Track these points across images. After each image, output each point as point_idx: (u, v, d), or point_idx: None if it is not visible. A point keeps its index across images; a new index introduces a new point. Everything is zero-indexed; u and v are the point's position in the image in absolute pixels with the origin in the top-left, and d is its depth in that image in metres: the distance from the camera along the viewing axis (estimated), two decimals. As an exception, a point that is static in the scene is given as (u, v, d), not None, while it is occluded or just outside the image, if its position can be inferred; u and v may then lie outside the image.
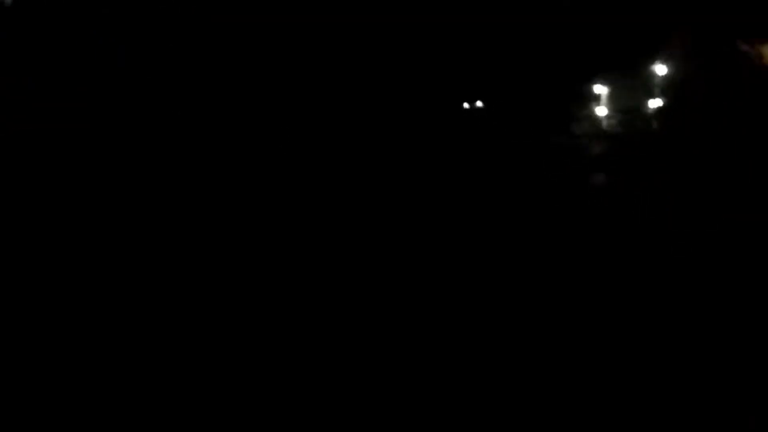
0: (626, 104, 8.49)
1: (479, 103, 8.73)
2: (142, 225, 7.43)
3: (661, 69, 8.48)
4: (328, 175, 8.08)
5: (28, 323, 6.12)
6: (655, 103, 8.36)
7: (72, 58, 8.32)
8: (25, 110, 8.03)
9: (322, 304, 6.62)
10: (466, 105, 8.70)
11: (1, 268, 6.70)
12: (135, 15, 8.46)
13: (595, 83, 8.59)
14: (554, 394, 5.60)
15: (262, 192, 7.91)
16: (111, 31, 8.41)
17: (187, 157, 8.13)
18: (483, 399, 5.55)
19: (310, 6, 8.56)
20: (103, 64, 8.36)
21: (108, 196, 7.71)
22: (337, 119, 8.40)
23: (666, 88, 8.40)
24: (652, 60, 8.48)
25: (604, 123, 8.44)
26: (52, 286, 6.58)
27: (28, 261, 6.84)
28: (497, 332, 6.31)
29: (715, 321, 6.19)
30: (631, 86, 8.51)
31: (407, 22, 8.56)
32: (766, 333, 5.99)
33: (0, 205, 7.37)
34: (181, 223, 7.53)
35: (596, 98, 8.53)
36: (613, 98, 8.55)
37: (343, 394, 5.50)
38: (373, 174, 8.04)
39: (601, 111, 8.55)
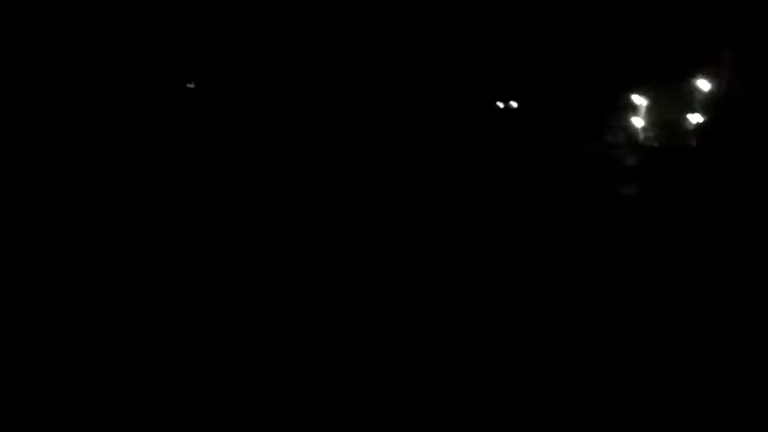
0: (664, 117, 8.42)
1: (514, 104, 8.70)
2: (142, 224, 7.44)
3: (703, 84, 8.38)
4: (336, 175, 8.08)
5: (28, 321, 6.12)
6: (694, 117, 8.27)
7: (72, 58, 8.33)
8: (25, 110, 8.03)
9: (322, 303, 6.63)
10: (500, 105, 8.68)
11: (2, 267, 6.70)
12: (135, 15, 8.46)
13: (634, 94, 8.49)
14: (555, 394, 5.60)
15: (261, 191, 7.91)
16: (111, 31, 8.42)
17: (186, 156, 8.13)
18: (483, 398, 5.55)
19: (310, 6, 8.57)
20: (103, 64, 8.37)
21: (108, 196, 7.72)
22: (348, 119, 8.41)
23: (707, 103, 8.32)
24: (696, 74, 8.40)
25: (641, 135, 8.37)
26: (52, 284, 6.58)
27: (28, 259, 6.85)
28: (509, 333, 6.32)
29: (728, 325, 6.20)
30: (671, 99, 8.43)
31: (430, 22, 8.56)
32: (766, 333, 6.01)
33: (0, 205, 7.37)
34: (181, 222, 7.53)
35: (634, 109, 8.45)
36: (651, 110, 8.48)
37: (343, 393, 5.51)
38: (388, 174, 8.02)
39: (638, 122, 8.46)
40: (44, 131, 7.93)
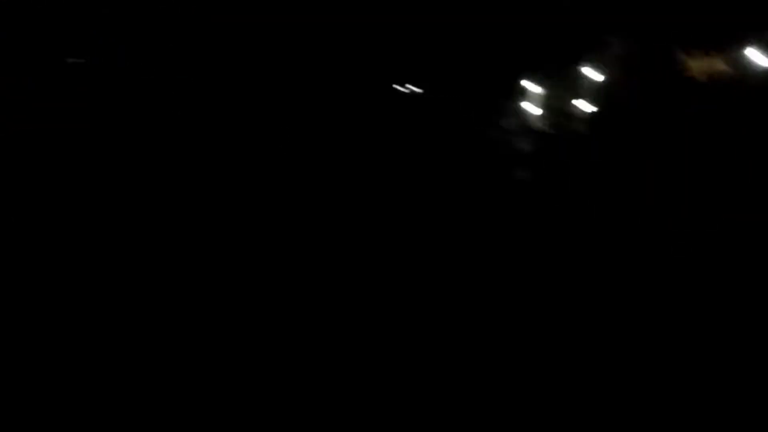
0: (556, 104, 8.54)
1: (416, 89, 8.77)
2: (142, 224, 7.44)
3: (592, 72, 8.50)
4: (336, 175, 8.10)
5: (28, 322, 6.12)
6: (583, 105, 8.38)
7: (72, 58, 8.33)
8: (25, 110, 8.03)
9: (322, 303, 6.63)
10: (404, 89, 8.73)
11: (2, 267, 6.70)
12: (135, 15, 8.46)
13: (528, 82, 8.61)
14: (555, 394, 5.60)
15: (261, 191, 7.91)
16: (111, 31, 8.42)
17: (186, 156, 8.13)
18: (483, 399, 5.55)
19: (310, 6, 8.57)
20: (103, 64, 8.36)
21: (108, 196, 7.72)
22: (348, 119, 8.42)
23: (596, 91, 8.44)
24: (584, 63, 8.50)
25: (534, 120, 8.49)
26: (52, 284, 6.58)
27: (28, 259, 6.85)
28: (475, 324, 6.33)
29: (714, 321, 6.20)
30: (562, 87, 8.55)
31: (404, 22, 8.58)
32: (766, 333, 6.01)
33: (0, 205, 7.37)
34: (181, 221, 7.53)
35: (529, 96, 8.57)
36: (544, 98, 8.60)
37: (342, 393, 5.51)
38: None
39: (532, 109, 8.60)
40: (44, 131, 7.93)
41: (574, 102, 8.47)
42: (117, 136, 8.12)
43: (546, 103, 8.58)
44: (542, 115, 8.53)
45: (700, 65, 8.12)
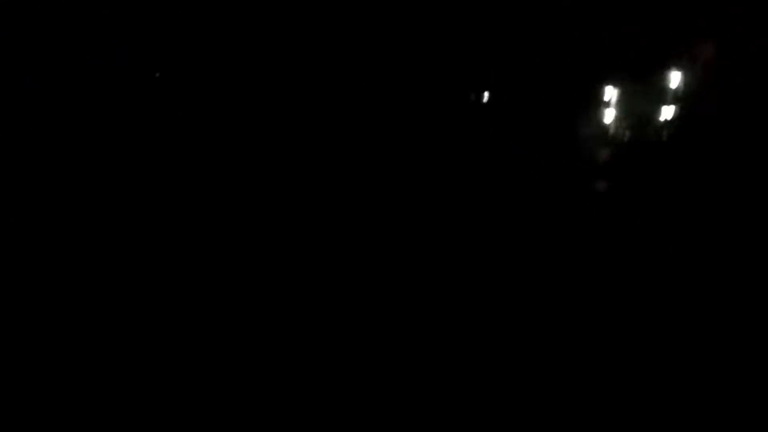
0: (635, 110, 8.37)
1: (485, 98, 8.66)
2: (142, 225, 7.43)
3: (674, 76, 8.32)
4: (335, 175, 8.09)
5: (28, 324, 6.11)
6: (666, 110, 8.21)
7: (72, 58, 8.32)
8: (25, 110, 8.03)
9: (322, 304, 6.62)
10: (471, 98, 8.64)
11: (2, 267, 6.70)
12: (135, 15, 8.45)
13: (605, 87, 8.43)
14: (555, 395, 5.60)
15: (261, 192, 7.91)
16: (111, 31, 8.41)
17: (187, 157, 8.13)
18: (482, 399, 5.55)
19: (310, 6, 8.56)
20: (103, 64, 8.36)
21: (108, 196, 7.71)
22: (348, 119, 8.40)
23: (679, 95, 8.28)
24: (666, 66, 8.35)
25: (611, 128, 8.32)
26: (52, 284, 6.58)
27: (28, 259, 6.84)
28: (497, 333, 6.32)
29: (715, 323, 6.20)
30: (642, 92, 8.38)
31: (407, 22, 8.56)
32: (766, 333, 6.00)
33: (0, 205, 7.37)
34: (181, 223, 7.53)
35: (605, 103, 8.38)
36: (621, 103, 8.42)
37: (342, 394, 5.51)
38: (368, 171, 8.03)
39: (609, 116, 8.41)
40: (44, 131, 7.93)
41: (654, 108, 8.33)
42: (117, 136, 8.11)
43: (625, 109, 8.43)
44: (620, 122, 8.39)
45: None
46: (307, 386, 5.54)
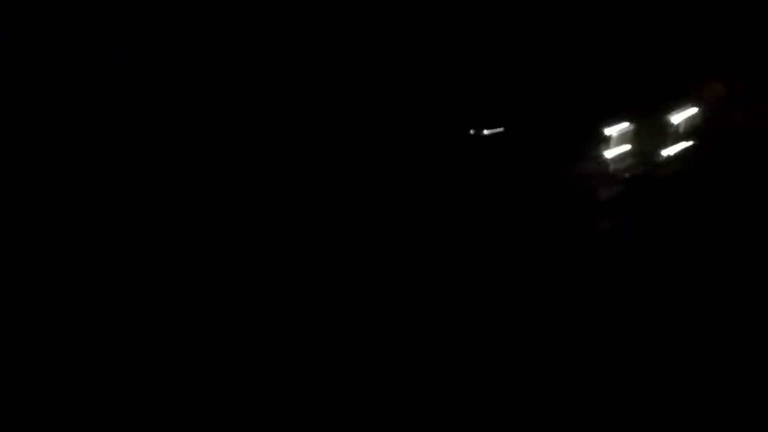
0: (640, 148, 8.31)
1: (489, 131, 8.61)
2: (142, 225, 7.43)
3: (679, 114, 8.28)
4: (335, 175, 8.08)
5: (27, 324, 6.11)
6: (670, 147, 8.15)
7: (72, 58, 8.31)
8: (25, 110, 8.02)
9: (322, 304, 6.62)
10: (471, 131, 8.60)
11: (2, 267, 6.70)
12: (135, 15, 8.45)
13: (606, 125, 8.35)
14: (554, 395, 5.60)
15: (262, 192, 7.91)
16: (111, 31, 8.41)
17: (187, 157, 8.12)
18: (483, 399, 5.55)
19: (310, 6, 8.56)
20: (103, 64, 8.35)
21: (108, 196, 7.71)
22: (338, 121, 8.40)
23: (686, 132, 8.22)
24: (673, 105, 8.31)
25: (612, 166, 8.25)
26: (52, 284, 6.58)
27: (28, 259, 6.84)
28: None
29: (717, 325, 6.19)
30: (646, 130, 8.32)
31: (407, 22, 8.56)
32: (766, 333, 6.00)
33: (0, 205, 7.37)
34: (182, 222, 7.53)
35: (606, 140, 8.31)
36: (623, 141, 8.36)
37: (342, 394, 5.50)
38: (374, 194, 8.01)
39: (610, 153, 8.33)
40: (44, 131, 7.93)
41: (661, 146, 8.28)
42: (117, 136, 8.11)
43: (631, 147, 8.37)
44: (626, 160, 8.33)
45: None
46: (307, 386, 5.54)
